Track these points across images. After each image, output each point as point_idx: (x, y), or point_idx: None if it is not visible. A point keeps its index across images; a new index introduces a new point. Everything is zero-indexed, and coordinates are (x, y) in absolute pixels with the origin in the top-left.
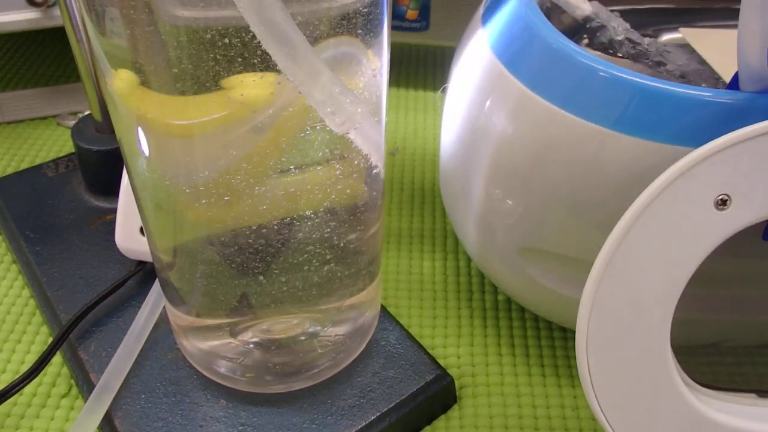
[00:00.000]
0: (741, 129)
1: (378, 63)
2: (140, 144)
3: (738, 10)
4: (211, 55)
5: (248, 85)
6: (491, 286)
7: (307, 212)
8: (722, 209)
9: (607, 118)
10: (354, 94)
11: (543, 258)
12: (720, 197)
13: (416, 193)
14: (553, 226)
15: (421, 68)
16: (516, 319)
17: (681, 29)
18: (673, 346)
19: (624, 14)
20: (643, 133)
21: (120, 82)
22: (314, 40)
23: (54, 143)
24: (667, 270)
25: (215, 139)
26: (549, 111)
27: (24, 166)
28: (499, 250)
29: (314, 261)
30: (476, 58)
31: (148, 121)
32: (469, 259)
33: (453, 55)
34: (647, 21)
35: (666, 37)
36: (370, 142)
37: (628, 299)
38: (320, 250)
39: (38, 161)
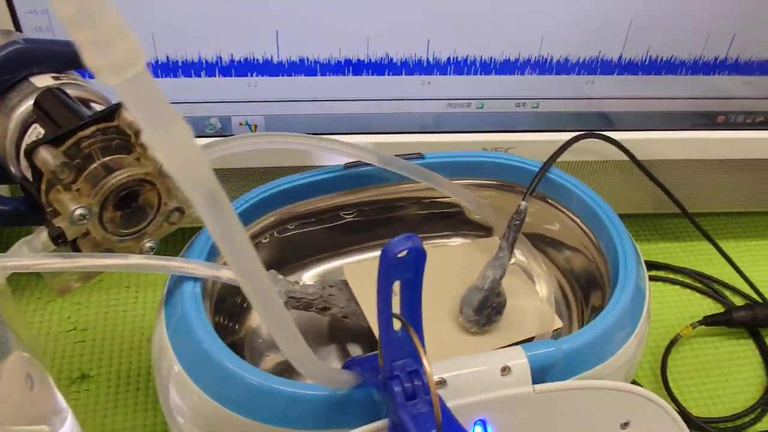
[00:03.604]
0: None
1: None
2: None
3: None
4: None
5: None
6: None
7: None
8: None
9: (247, 411)
10: None
11: None
12: None
13: None
14: None
15: None
16: None
17: (345, 267)
18: None
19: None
20: (271, 420)
21: None
22: None
23: None
24: None
25: None
26: (202, 398)
27: None
28: None
29: None
30: (159, 318)
31: None
32: None
33: None
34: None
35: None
36: None
37: None
38: None
39: None
